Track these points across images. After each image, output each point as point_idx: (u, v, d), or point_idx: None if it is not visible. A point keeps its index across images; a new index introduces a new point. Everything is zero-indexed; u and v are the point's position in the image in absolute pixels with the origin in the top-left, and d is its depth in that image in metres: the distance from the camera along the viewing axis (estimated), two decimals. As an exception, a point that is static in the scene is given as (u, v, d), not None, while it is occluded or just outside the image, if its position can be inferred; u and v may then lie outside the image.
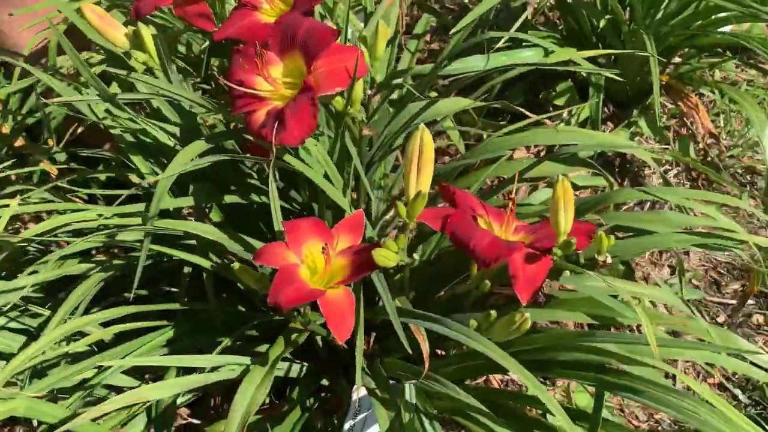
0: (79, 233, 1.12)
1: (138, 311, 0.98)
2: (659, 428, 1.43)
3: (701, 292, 1.58)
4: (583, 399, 1.36)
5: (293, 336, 0.98)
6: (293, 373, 1.10)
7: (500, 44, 1.30)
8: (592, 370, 0.88)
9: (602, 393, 0.92)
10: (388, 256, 0.80)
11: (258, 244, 0.95)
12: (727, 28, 1.61)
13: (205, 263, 0.99)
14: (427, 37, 1.96)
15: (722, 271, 1.65)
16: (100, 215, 1.08)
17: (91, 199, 1.43)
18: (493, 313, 0.81)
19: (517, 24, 1.22)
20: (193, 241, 1.04)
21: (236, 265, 0.86)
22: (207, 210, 1.02)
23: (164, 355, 1.01)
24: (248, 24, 1.04)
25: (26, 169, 1.13)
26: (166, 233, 0.97)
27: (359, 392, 1.05)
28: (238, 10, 1.07)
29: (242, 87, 0.86)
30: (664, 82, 1.71)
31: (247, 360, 0.95)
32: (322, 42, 0.84)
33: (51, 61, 1.34)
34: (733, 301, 1.60)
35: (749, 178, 1.75)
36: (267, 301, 0.78)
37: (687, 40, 1.62)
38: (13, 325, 1.12)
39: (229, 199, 1.00)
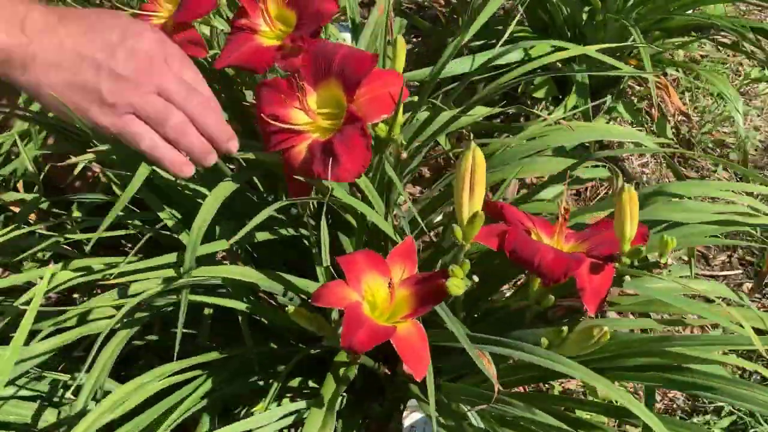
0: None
1: (177, 369, 0.92)
2: (674, 405, 1.47)
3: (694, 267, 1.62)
4: (605, 388, 1.37)
5: (341, 371, 0.94)
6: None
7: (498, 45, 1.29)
8: (654, 370, 0.88)
9: (653, 390, 0.93)
10: (458, 284, 0.77)
11: (299, 281, 0.91)
12: (689, 10, 1.66)
13: (241, 306, 0.94)
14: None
15: (708, 245, 1.70)
16: (109, 265, 1.01)
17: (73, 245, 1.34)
18: (565, 329, 0.80)
19: (513, 26, 1.21)
20: (218, 281, 0.99)
21: (291, 308, 0.81)
22: (237, 251, 0.97)
23: (205, 406, 0.96)
24: (249, 49, 0.98)
25: (22, 230, 1.04)
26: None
27: (411, 417, 1.03)
28: (236, 35, 1.01)
29: (277, 122, 0.81)
30: (633, 66, 1.75)
31: (300, 405, 0.91)
32: (362, 69, 0.79)
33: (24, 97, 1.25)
34: (723, 273, 1.65)
35: (720, 152, 1.81)
36: (341, 346, 0.74)
37: (656, 23, 1.66)
38: (22, 392, 1.05)
39: (261, 236, 0.94)
